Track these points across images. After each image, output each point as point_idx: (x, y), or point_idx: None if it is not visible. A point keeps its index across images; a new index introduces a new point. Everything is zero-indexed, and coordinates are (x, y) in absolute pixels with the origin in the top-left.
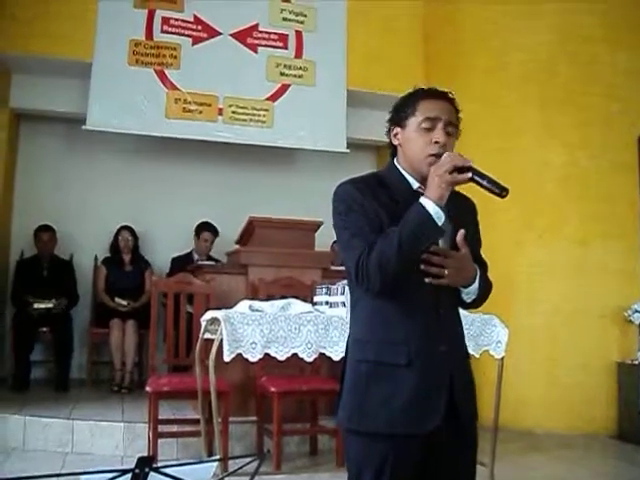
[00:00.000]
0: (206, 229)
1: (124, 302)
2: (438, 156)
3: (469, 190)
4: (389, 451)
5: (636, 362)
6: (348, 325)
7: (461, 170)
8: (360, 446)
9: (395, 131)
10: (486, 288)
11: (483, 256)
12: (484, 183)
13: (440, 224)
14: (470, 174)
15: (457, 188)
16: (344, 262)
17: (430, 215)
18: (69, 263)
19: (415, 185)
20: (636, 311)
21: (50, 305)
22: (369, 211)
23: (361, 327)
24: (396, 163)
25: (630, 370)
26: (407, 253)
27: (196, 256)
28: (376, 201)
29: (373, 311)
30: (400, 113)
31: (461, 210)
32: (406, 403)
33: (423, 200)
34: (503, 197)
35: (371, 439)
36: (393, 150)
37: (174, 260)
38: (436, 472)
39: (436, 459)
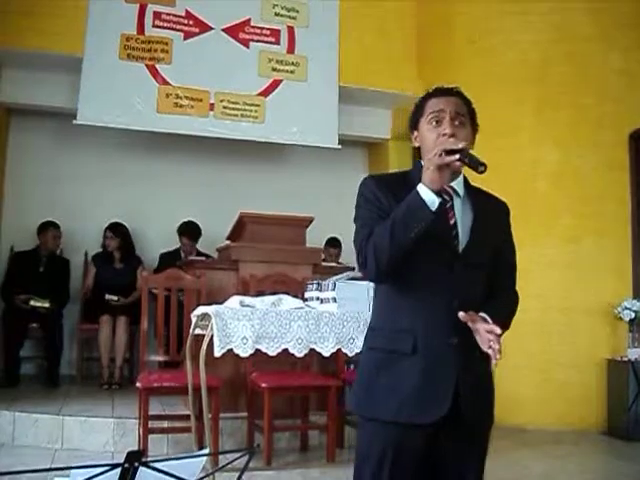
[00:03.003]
0: (184, 234)
1: (115, 297)
2: None
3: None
4: (391, 441)
5: (625, 359)
6: (339, 321)
7: (453, 153)
8: (366, 433)
9: (414, 134)
10: (510, 316)
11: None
12: (466, 161)
13: (434, 209)
14: (457, 156)
15: (491, 190)
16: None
17: (421, 199)
18: (67, 262)
19: None
20: (626, 308)
21: (46, 305)
22: (384, 205)
23: (375, 316)
24: (423, 162)
25: (620, 367)
26: (399, 237)
27: (183, 253)
28: (394, 197)
29: (385, 300)
30: (414, 117)
31: (491, 210)
32: (410, 392)
33: (419, 186)
34: (480, 172)
35: (376, 426)
36: (418, 153)
37: (162, 256)
38: (439, 473)
39: (440, 460)
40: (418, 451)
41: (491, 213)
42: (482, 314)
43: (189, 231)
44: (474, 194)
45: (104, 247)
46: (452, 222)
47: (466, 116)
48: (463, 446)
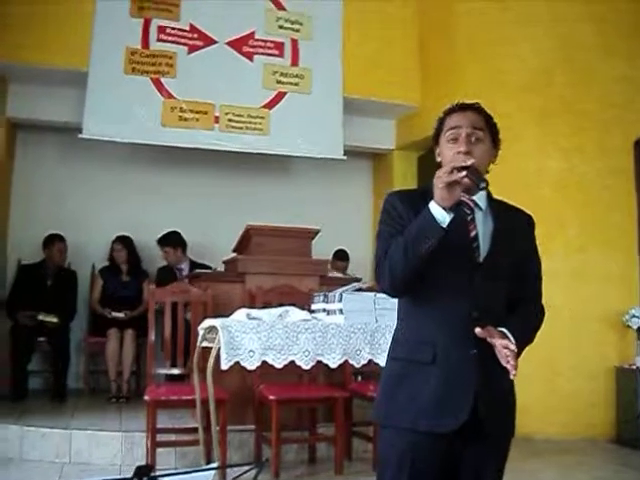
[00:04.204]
0: (162, 243)
1: (121, 314)
2: None
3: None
4: (409, 448)
5: (634, 367)
6: (346, 333)
7: (464, 170)
8: (385, 440)
9: (437, 150)
10: (532, 329)
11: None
12: (473, 179)
13: (444, 225)
14: (464, 173)
15: (513, 202)
16: None
17: (432, 216)
18: (74, 274)
19: None
20: (634, 316)
21: (55, 320)
22: (405, 221)
23: (397, 327)
24: None
25: (628, 375)
26: (411, 253)
27: (175, 265)
28: (415, 213)
29: (407, 312)
30: (435, 132)
31: (514, 223)
32: (428, 401)
33: (430, 203)
34: (481, 189)
35: (394, 433)
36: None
37: (159, 270)
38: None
39: (458, 467)
40: (436, 458)
41: (514, 225)
42: (501, 329)
43: (165, 241)
44: (497, 207)
45: (111, 260)
46: (473, 234)
47: (485, 131)
48: (481, 456)
